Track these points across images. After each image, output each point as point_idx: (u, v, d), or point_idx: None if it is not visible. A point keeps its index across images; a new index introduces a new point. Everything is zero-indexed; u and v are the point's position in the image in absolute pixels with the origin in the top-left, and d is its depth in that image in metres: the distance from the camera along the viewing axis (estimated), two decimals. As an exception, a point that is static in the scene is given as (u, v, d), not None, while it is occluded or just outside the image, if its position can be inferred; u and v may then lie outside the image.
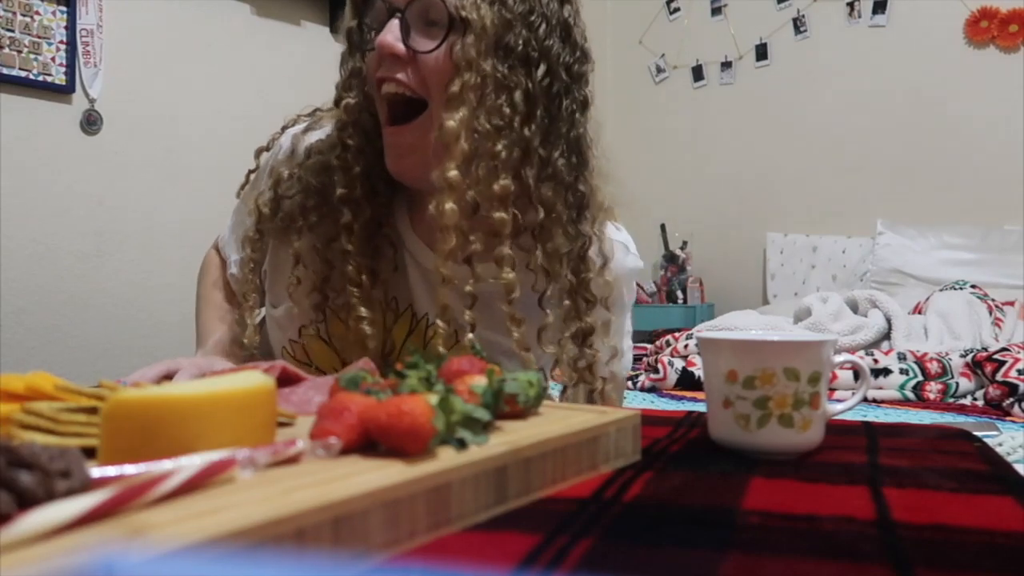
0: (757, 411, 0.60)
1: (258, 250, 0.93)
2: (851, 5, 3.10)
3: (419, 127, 0.81)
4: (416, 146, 0.81)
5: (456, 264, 0.82)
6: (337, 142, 0.86)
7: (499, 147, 0.78)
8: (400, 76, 0.80)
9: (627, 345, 1.02)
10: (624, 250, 0.96)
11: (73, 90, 1.81)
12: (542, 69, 0.80)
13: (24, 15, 1.73)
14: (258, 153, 1.02)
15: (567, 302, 0.86)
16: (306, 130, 0.96)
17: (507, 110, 0.78)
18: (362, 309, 0.84)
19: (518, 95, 0.79)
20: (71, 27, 1.79)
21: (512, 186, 0.79)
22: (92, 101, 1.84)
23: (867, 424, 0.75)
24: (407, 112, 0.82)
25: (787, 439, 0.61)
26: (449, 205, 0.78)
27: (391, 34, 0.79)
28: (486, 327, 0.86)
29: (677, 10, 3.60)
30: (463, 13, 0.77)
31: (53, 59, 1.77)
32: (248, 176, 1.05)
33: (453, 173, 0.78)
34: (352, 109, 0.86)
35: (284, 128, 1.00)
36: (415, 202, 0.91)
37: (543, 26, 0.80)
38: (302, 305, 0.88)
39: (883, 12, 3.03)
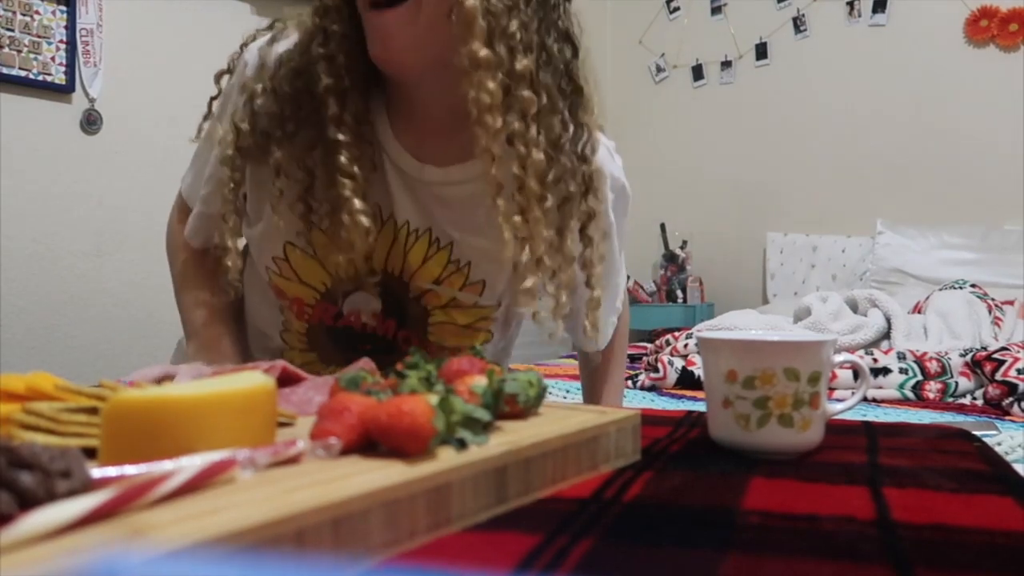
0: (757, 411, 0.61)
1: (237, 169, 0.87)
2: (851, 4, 3.10)
3: (407, 9, 0.76)
4: (404, 30, 0.76)
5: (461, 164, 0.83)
6: (317, 30, 0.81)
7: (513, 26, 0.75)
8: None
9: (617, 281, 1.01)
10: (608, 153, 0.94)
11: (73, 90, 1.81)
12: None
13: (24, 15, 1.73)
14: (218, 77, 0.93)
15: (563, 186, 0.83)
16: (271, 41, 0.90)
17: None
18: (357, 202, 0.80)
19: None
20: (71, 27, 1.79)
21: (532, 65, 0.77)
22: (92, 101, 1.84)
23: (867, 424, 0.75)
24: None
25: (787, 439, 0.61)
26: (492, 84, 0.74)
27: None
28: (473, 232, 0.87)
29: (677, 9, 3.60)
30: None
31: (53, 59, 1.77)
32: (210, 106, 0.95)
33: (484, 52, 0.74)
34: None
35: (244, 46, 0.92)
36: (395, 103, 0.87)
37: None
38: (286, 217, 0.84)
39: (883, 11, 3.03)
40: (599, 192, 0.86)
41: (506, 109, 0.76)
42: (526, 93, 0.76)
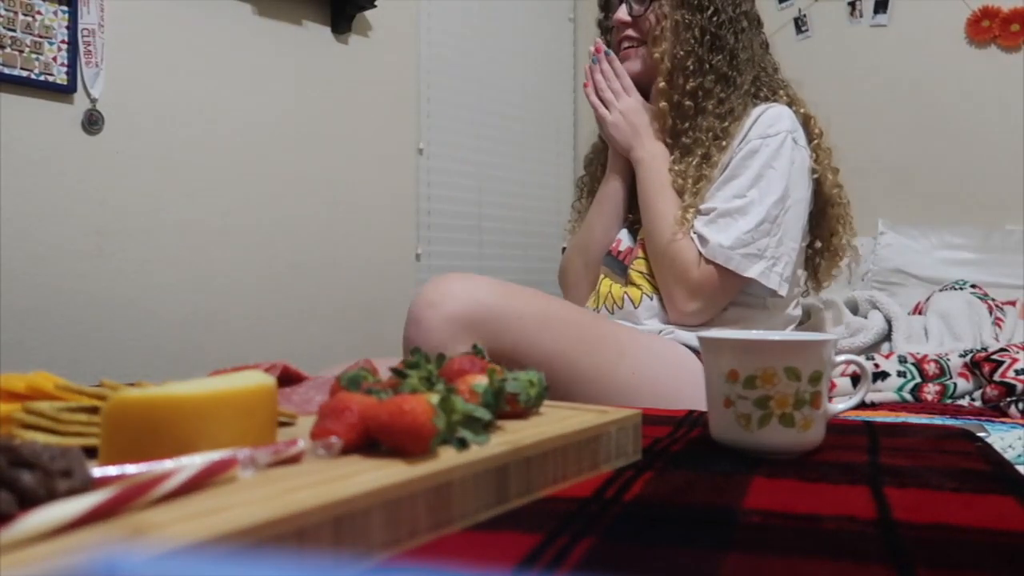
0: (758, 411, 0.60)
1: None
2: (852, 5, 3.09)
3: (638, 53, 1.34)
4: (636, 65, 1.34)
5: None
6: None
7: (689, 63, 1.25)
8: (629, 33, 1.32)
9: (729, 205, 1.21)
10: (762, 107, 1.27)
11: (75, 90, 1.81)
12: (709, 11, 1.24)
13: (25, 15, 1.73)
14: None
15: (701, 154, 1.25)
16: None
17: (690, 38, 1.24)
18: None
19: (697, 30, 1.24)
20: (72, 27, 1.79)
21: (698, 85, 1.25)
22: (94, 101, 1.84)
23: (868, 424, 0.75)
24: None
25: (788, 439, 0.61)
26: (663, 103, 1.28)
27: (622, 12, 1.31)
28: None
29: (678, 10, 3.60)
30: None
31: (55, 59, 1.77)
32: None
33: (662, 84, 1.28)
34: None
35: None
36: None
37: None
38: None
39: (884, 11, 3.03)
40: (727, 141, 1.24)
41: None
42: (688, 102, 1.27)
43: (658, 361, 1.12)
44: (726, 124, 1.24)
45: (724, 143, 1.24)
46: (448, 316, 1.00)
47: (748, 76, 1.29)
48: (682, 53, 1.24)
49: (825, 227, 1.36)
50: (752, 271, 1.18)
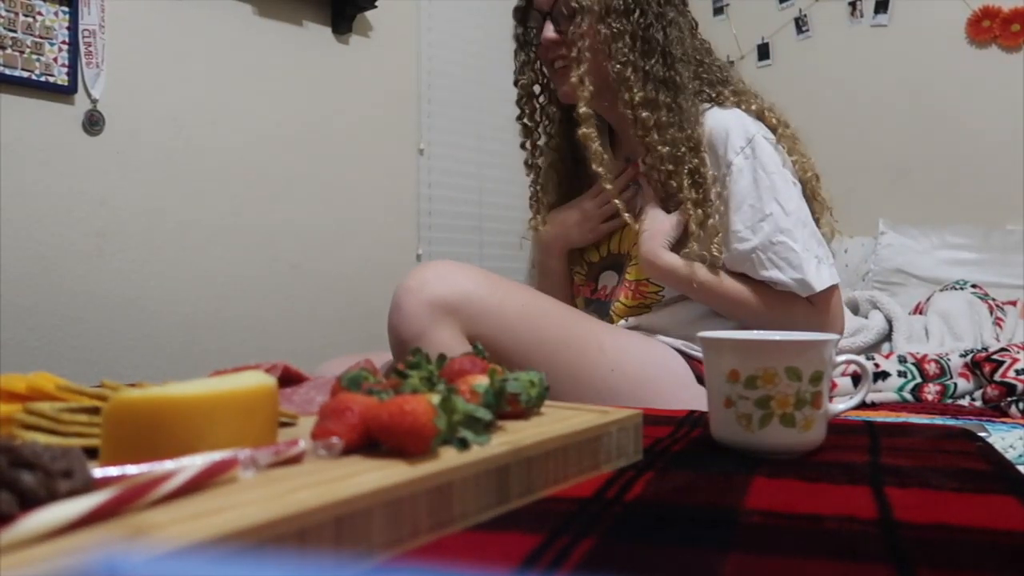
0: (759, 411, 0.60)
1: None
2: (853, 5, 3.09)
3: (569, 75, 1.20)
4: (571, 88, 1.20)
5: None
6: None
7: (628, 74, 1.16)
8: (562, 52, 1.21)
9: (736, 219, 1.15)
10: (714, 112, 1.20)
11: (75, 90, 1.81)
12: (636, 14, 1.17)
13: (26, 15, 1.73)
14: None
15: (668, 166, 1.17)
16: None
17: (623, 47, 1.16)
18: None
19: (627, 37, 1.16)
20: (73, 27, 1.79)
21: (643, 93, 1.17)
22: (94, 101, 1.84)
23: (869, 423, 0.75)
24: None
25: (789, 439, 0.61)
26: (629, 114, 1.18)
27: (548, 31, 1.21)
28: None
29: (678, 10, 3.59)
30: (581, 2, 1.16)
31: (55, 59, 1.77)
32: None
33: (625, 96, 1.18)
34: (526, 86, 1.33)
35: None
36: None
37: None
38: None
39: (885, 12, 3.03)
40: (698, 150, 1.16)
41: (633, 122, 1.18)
42: (644, 114, 1.16)
43: (638, 359, 1.12)
44: (689, 131, 1.16)
45: (703, 153, 1.16)
46: (427, 301, 1.00)
47: (688, 73, 1.20)
48: (618, 66, 1.16)
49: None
50: (827, 277, 1.14)
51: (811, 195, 1.22)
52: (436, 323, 0.99)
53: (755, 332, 0.76)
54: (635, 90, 1.16)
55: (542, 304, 1.09)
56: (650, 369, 1.12)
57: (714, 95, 1.23)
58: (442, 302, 1.00)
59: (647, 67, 1.17)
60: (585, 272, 1.34)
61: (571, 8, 1.18)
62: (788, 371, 0.60)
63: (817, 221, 1.21)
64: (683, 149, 1.16)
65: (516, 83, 1.33)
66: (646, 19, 1.17)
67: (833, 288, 1.15)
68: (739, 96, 1.25)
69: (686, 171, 1.15)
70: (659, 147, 1.16)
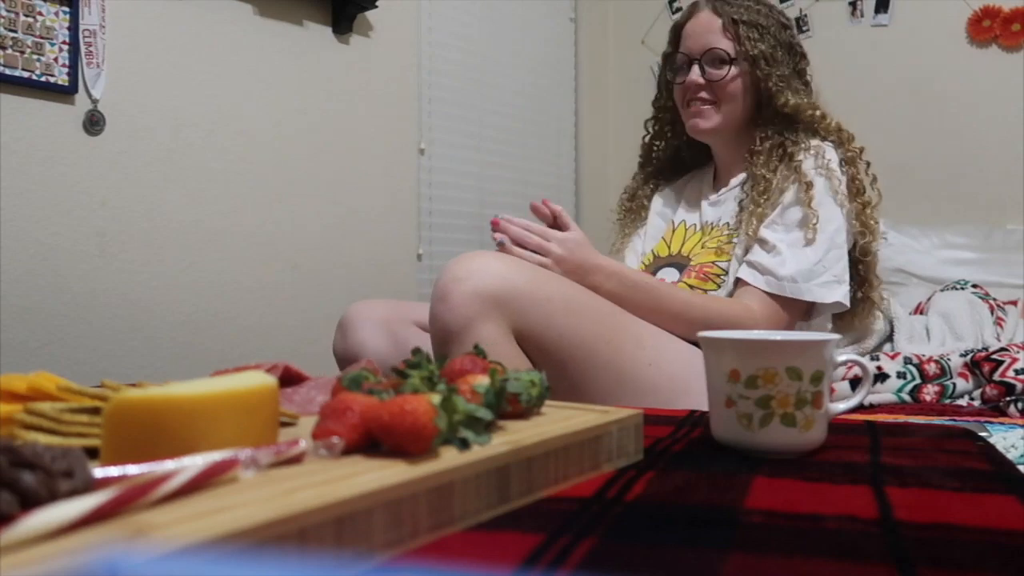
0: (759, 410, 0.60)
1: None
2: (853, 4, 3.09)
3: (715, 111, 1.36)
4: (713, 121, 1.36)
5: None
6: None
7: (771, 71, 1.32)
8: (703, 95, 1.35)
9: (786, 238, 1.24)
10: (807, 145, 1.30)
11: (76, 91, 1.81)
12: (789, 53, 1.35)
13: (27, 16, 1.73)
14: None
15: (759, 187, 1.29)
16: None
17: (776, 73, 1.32)
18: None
19: (772, 80, 1.31)
20: (73, 28, 1.79)
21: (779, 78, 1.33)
22: (95, 102, 1.84)
23: (870, 423, 0.75)
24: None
25: (790, 438, 0.61)
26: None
27: (695, 74, 1.35)
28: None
29: (679, 10, 3.60)
30: (743, 49, 1.32)
31: (56, 60, 1.77)
32: None
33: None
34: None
35: None
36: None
37: (777, 46, 1.35)
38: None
39: (885, 11, 3.02)
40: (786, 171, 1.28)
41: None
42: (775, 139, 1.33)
43: (675, 356, 1.13)
44: (791, 151, 1.29)
45: (786, 172, 1.28)
46: (475, 291, 0.98)
47: (804, 97, 1.36)
48: (761, 75, 1.31)
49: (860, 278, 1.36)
50: (835, 294, 1.21)
51: (867, 258, 1.33)
52: (483, 315, 0.98)
53: (756, 332, 0.76)
54: (773, 70, 1.31)
55: (585, 298, 1.09)
56: (687, 367, 1.12)
57: (825, 135, 1.34)
58: (491, 294, 0.98)
59: (783, 89, 1.32)
60: (647, 264, 1.44)
61: (726, 56, 1.33)
62: (789, 371, 0.60)
63: (865, 287, 1.33)
64: (788, 176, 1.28)
65: (651, 121, 1.56)
66: (782, 71, 1.33)
67: (803, 303, 1.22)
68: (842, 144, 1.35)
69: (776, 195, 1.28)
70: (766, 174, 1.29)
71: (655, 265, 1.43)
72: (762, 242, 1.25)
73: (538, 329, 1.01)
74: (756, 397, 0.60)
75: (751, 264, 1.24)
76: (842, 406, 0.66)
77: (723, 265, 1.30)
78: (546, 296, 1.03)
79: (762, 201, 1.27)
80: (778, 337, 0.64)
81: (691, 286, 1.30)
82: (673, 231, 1.47)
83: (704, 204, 1.44)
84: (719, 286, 1.30)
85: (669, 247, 1.44)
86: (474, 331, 0.98)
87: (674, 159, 1.56)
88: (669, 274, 1.38)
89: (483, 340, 0.95)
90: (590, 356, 1.04)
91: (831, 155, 1.30)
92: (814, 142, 1.31)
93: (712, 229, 1.38)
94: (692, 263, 1.35)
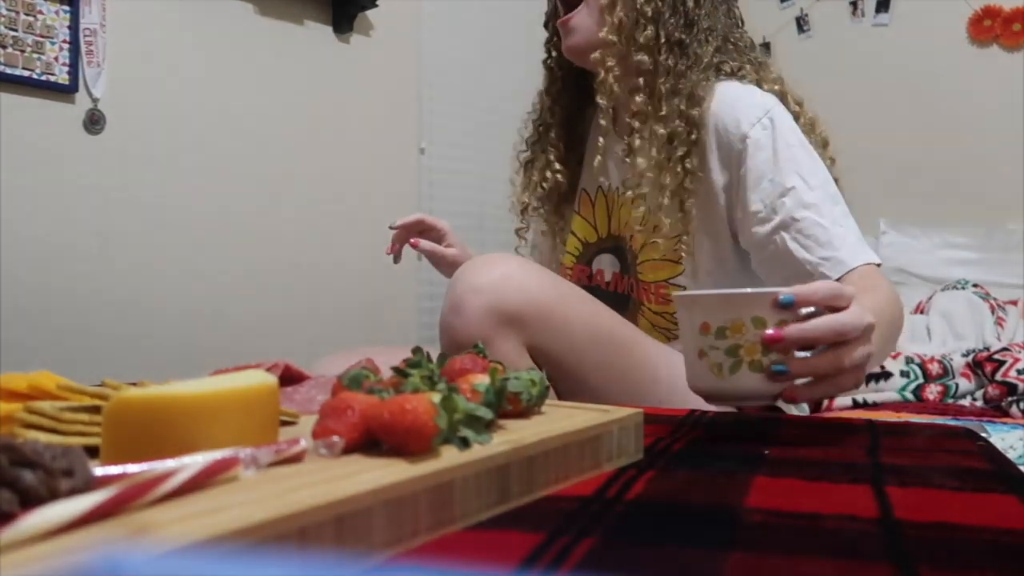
0: (729, 359, 0.64)
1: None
2: (854, 4, 3.09)
3: (578, 15, 1.16)
4: (579, 29, 1.16)
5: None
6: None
7: (648, 9, 1.08)
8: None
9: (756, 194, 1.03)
10: (726, 85, 1.09)
11: (76, 90, 1.81)
12: None
13: (27, 14, 1.73)
14: None
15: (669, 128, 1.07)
16: None
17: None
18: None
19: None
20: (74, 27, 1.80)
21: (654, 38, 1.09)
22: (95, 101, 1.84)
23: (870, 423, 0.75)
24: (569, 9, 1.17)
25: (758, 384, 0.64)
26: (610, 62, 1.10)
27: None
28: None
29: (679, 9, 3.59)
30: None
31: (56, 59, 1.78)
32: None
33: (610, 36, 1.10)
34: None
35: None
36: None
37: None
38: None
39: (886, 11, 3.03)
40: (699, 134, 1.05)
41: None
42: (640, 57, 1.09)
43: (684, 394, 1.04)
44: (693, 112, 1.05)
45: (694, 136, 1.05)
46: (493, 307, 0.89)
47: (710, 48, 1.11)
48: (635, 12, 1.08)
49: None
50: (870, 255, 1.02)
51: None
52: (500, 332, 0.89)
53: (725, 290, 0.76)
54: (646, 29, 1.08)
55: (605, 323, 1.00)
56: (698, 406, 1.06)
57: (732, 71, 1.11)
58: (510, 310, 0.90)
59: (667, 23, 1.08)
60: (578, 254, 1.24)
61: None
62: (754, 320, 0.64)
63: None
64: (680, 126, 1.05)
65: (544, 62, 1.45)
66: None
67: (874, 266, 1.00)
68: (762, 79, 1.13)
69: (677, 157, 1.05)
70: (657, 126, 1.06)
71: (587, 255, 1.23)
72: (792, 221, 1.00)
73: (556, 350, 0.93)
74: (725, 347, 0.64)
75: (820, 255, 0.99)
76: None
77: (680, 281, 1.10)
78: (566, 318, 0.94)
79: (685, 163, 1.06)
80: (745, 291, 0.67)
81: (656, 312, 1.13)
82: (592, 204, 1.24)
83: (609, 162, 1.20)
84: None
85: (596, 227, 1.23)
86: (489, 348, 0.88)
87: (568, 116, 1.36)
88: (605, 263, 1.20)
89: (498, 357, 0.87)
90: (605, 386, 0.97)
91: (752, 93, 1.09)
92: (724, 87, 1.09)
93: (638, 200, 1.12)
94: (642, 278, 1.14)
